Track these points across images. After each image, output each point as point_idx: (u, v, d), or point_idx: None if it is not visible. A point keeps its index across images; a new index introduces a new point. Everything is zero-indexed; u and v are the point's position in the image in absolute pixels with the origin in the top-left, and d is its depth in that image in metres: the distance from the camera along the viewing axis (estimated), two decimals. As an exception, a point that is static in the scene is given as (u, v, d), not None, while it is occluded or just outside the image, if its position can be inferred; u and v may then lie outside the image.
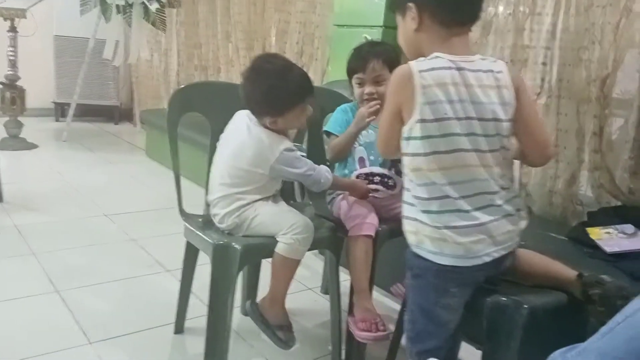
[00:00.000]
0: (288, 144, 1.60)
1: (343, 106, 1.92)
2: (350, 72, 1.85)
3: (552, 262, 1.37)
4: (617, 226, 1.92)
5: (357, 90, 1.83)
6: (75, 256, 2.38)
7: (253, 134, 1.60)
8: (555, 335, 1.34)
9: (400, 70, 1.20)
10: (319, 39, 3.57)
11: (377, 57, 1.79)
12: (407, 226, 1.26)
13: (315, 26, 3.57)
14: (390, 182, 1.80)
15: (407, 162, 1.23)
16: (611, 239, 1.86)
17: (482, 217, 1.19)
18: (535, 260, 1.37)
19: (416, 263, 1.25)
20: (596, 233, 1.88)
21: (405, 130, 1.19)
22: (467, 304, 1.28)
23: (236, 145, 1.61)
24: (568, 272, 1.32)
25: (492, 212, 1.20)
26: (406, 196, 1.27)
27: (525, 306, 1.25)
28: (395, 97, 1.20)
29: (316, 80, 3.50)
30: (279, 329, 1.62)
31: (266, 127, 1.60)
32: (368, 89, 1.80)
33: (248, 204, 1.60)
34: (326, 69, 3.49)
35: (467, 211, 1.18)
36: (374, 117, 1.73)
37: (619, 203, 2.14)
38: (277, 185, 1.69)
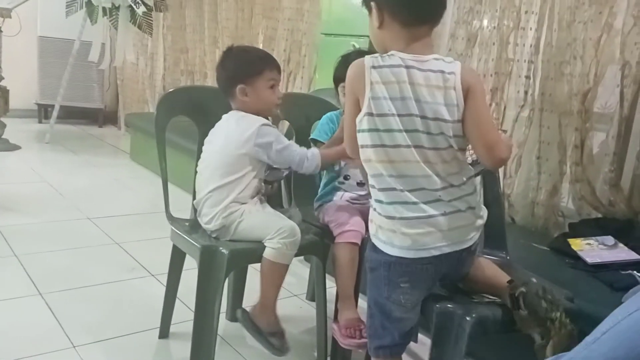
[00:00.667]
0: (266, 121, 1.65)
1: (329, 114, 1.94)
2: (337, 81, 1.87)
3: (499, 273, 1.38)
4: (598, 237, 1.96)
5: (342, 99, 1.86)
6: (59, 259, 2.36)
7: (232, 121, 1.66)
8: (503, 346, 1.36)
9: (355, 64, 1.24)
10: (306, 47, 3.59)
11: None
12: (370, 215, 1.30)
13: (303, 34, 3.60)
14: None
15: (360, 154, 1.26)
16: (592, 250, 1.90)
17: (430, 210, 1.21)
18: (487, 270, 1.38)
19: (371, 256, 1.29)
20: (577, 244, 1.92)
21: (357, 122, 1.23)
22: (422, 308, 1.30)
23: (222, 137, 1.66)
24: (504, 279, 1.34)
25: (440, 207, 1.21)
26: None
27: (473, 315, 1.27)
28: (351, 89, 1.24)
29: (303, 88, 3.53)
30: (272, 335, 1.62)
31: (242, 110, 1.66)
32: None
33: (236, 201, 1.61)
34: (313, 77, 3.52)
35: (414, 203, 1.20)
36: None
37: (600, 215, 2.19)
38: (262, 173, 1.70)
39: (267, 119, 1.72)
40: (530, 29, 2.41)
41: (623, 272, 1.75)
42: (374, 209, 1.27)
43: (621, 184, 2.17)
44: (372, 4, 1.27)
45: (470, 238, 1.27)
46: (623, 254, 1.89)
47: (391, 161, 1.20)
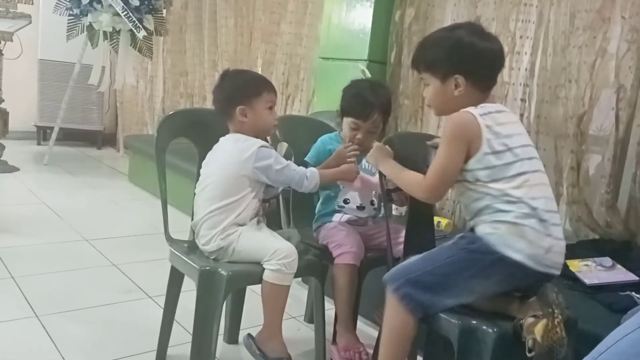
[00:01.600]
0: (264, 142, 1.66)
1: (324, 137, 1.95)
2: (348, 113, 1.86)
3: None
4: (596, 259, 1.97)
5: (349, 133, 1.86)
6: (56, 281, 2.35)
7: (230, 143, 1.67)
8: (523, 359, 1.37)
9: (463, 116, 1.35)
10: (304, 71, 3.64)
11: (380, 109, 1.84)
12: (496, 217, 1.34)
13: (301, 58, 3.65)
14: (375, 206, 1.84)
15: (461, 188, 1.38)
16: (590, 271, 1.91)
17: (555, 232, 1.33)
18: None
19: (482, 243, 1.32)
20: (575, 265, 1.93)
21: (474, 165, 1.34)
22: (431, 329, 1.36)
23: (221, 160, 1.67)
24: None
25: (560, 230, 1.35)
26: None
27: (495, 329, 1.30)
28: (463, 138, 1.34)
29: (302, 111, 3.56)
30: None
31: (240, 132, 1.68)
32: (362, 135, 1.84)
33: (234, 224, 1.62)
34: (311, 100, 3.55)
35: (545, 220, 1.31)
36: (354, 159, 1.80)
37: (597, 236, 2.20)
38: (261, 194, 1.70)
39: (266, 139, 1.73)
40: (525, 53, 2.45)
41: (621, 294, 1.76)
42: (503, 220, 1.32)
43: (617, 205, 2.19)
44: (458, 77, 1.37)
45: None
46: (621, 275, 1.89)
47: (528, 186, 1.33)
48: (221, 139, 1.72)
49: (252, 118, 1.68)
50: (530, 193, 1.31)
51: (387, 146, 1.60)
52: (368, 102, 1.83)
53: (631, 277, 1.88)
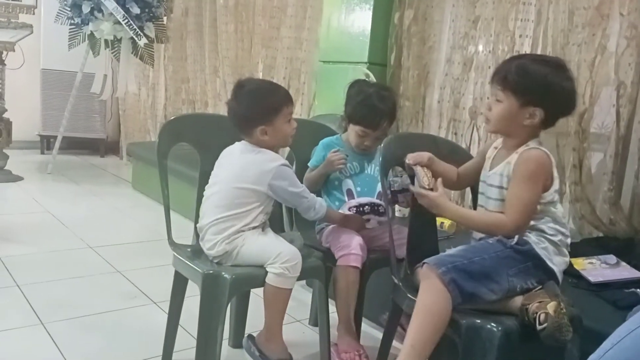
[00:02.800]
0: (284, 160, 1.65)
1: (326, 140, 1.95)
2: (357, 122, 1.86)
3: None
4: (600, 257, 1.96)
5: (357, 139, 1.88)
6: (61, 288, 2.35)
7: (250, 154, 1.65)
8: (529, 358, 1.38)
9: (539, 154, 1.44)
10: (305, 74, 3.65)
11: (388, 118, 1.86)
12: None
13: (302, 62, 3.66)
14: (381, 209, 1.84)
15: (537, 217, 1.46)
16: (594, 269, 1.90)
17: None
18: None
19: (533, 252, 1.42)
20: (580, 263, 1.92)
21: (547, 196, 1.45)
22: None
23: (237, 166, 1.65)
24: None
25: None
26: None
27: (500, 327, 1.31)
28: (543, 175, 1.44)
29: (303, 114, 3.57)
30: None
31: (258, 146, 1.66)
32: (370, 143, 1.86)
33: (240, 231, 1.62)
34: (313, 103, 3.56)
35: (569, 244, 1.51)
36: (342, 166, 1.84)
37: (601, 234, 2.19)
38: (270, 207, 1.70)
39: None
40: (525, 52, 2.45)
41: (626, 291, 1.75)
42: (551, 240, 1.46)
43: (621, 202, 2.19)
44: (540, 109, 1.43)
45: None
46: (625, 272, 1.89)
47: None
48: (237, 144, 1.70)
49: (272, 135, 1.66)
50: (562, 221, 1.49)
51: (438, 182, 1.54)
52: (378, 111, 1.83)
53: (636, 274, 1.87)
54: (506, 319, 1.35)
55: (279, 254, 1.58)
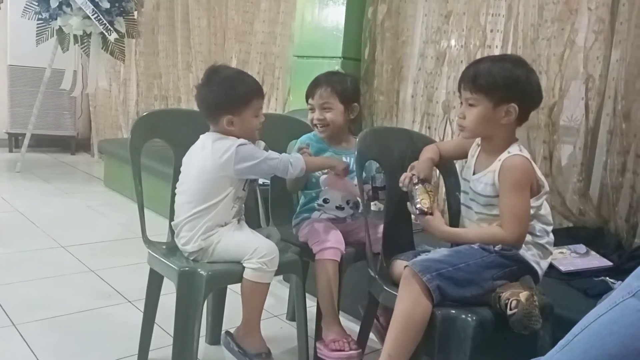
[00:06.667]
0: (241, 140, 1.62)
1: (303, 137, 1.96)
2: (306, 99, 1.92)
3: None
4: (570, 246, 2.01)
5: (309, 116, 1.90)
6: (32, 288, 2.31)
7: (208, 144, 1.63)
8: (503, 347, 1.41)
9: (522, 161, 1.45)
10: (279, 69, 3.64)
11: (326, 85, 1.86)
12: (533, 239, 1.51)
13: (276, 57, 3.64)
14: (350, 205, 1.87)
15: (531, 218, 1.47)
16: (565, 258, 1.95)
17: None
18: None
19: (517, 257, 1.44)
20: (550, 253, 1.96)
21: (537, 201, 1.47)
22: None
23: (201, 160, 1.64)
24: None
25: None
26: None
27: (474, 317, 1.33)
28: (528, 181, 1.45)
29: (278, 109, 3.56)
30: (258, 357, 1.61)
31: (221, 133, 1.64)
32: (317, 114, 1.86)
33: (215, 226, 1.61)
34: (287, 98, 3.55)
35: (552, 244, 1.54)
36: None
37: (571, 224, 2.24)
38: (241, 191, 1.69)
39: None
40: (496, 47, 2.49)
41: (596, 279, 1.80)
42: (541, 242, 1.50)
43: (590, 193, 2.23)
44: (514, 105, 1.43)
45: None
46: (595, 261, 1.93)
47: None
48: (201, 136, 1.69)
49: (239, 126, 1.64)
50: (549, 220, 1.52)
51: (435, 216, 1.52)
52: (316, 80, 1.90)
53: (605, 262, 1.92)
54: (481, 310, 1.37)
55: (255, 249, 1.58)
